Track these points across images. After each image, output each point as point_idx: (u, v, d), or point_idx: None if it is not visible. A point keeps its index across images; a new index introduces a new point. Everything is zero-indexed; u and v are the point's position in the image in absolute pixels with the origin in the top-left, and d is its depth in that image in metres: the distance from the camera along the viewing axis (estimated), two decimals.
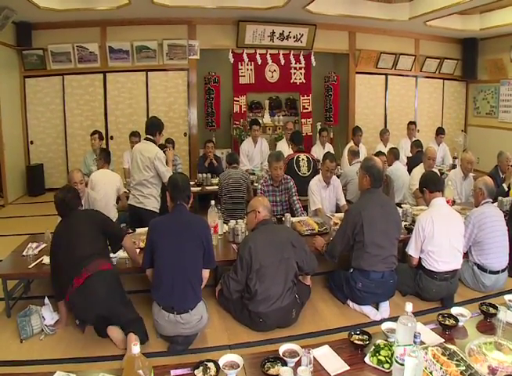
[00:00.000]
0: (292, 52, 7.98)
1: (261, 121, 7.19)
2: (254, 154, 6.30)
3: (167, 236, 2.67)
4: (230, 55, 7.75)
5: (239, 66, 7.88)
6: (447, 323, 2.16)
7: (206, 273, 2.79)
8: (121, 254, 3.24)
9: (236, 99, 7.95)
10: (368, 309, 3.06)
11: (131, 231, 3.65)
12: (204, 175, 5.69)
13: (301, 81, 8.19)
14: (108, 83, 7.57)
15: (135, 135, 5.62)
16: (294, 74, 8.14)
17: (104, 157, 4.76)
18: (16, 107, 7.44)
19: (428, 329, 2.14)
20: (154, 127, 4.07)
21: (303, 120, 8.30)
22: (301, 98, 8.28)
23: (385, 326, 2.13)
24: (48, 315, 2.95)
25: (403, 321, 1.70)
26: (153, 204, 4.04)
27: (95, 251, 2.80)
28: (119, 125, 7.66)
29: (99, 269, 2.70)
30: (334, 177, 4.36)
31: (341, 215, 3.81)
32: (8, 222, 6.02)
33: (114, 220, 4.38)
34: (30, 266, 3.16)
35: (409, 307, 1.72)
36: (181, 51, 7.46)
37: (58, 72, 7.47)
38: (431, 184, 3.22)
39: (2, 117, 6.89)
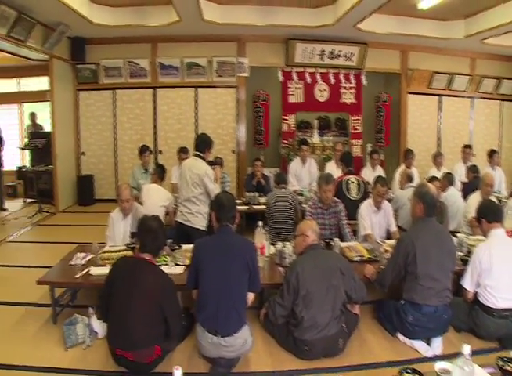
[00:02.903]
0: (342, 71, 7.97)
1: (309, 141, 7.16)
2: (302, 175, 6.26)
3: (212, 258, 2.67)
4: (279, 73, 7.84)
5: (289, 85, 7.96)
6: (508, 368, 2.01)
7: (251, 297, 2.78)
8: (171, 270, 3.29)
9: (284, 117, 7.99)
10: (419, 344, 2.94)
11: (177, 247, 3.70)
12: (252, 193, 5.70)
13: (351, 100, 8.13)
14: (158, 98, 7.86)
15: (183, 151, 5.74)
16: (344, 93, 8.10)
17: (159, 173, 4.89)
18: (69, 119, 7.88)
19: (486, 373, 2.00)
20: (204, 144, 4.12)
21: (353, 141, 8.21)
22: (351, 118, 8.20)
23: (439, 366, 1.99)
24: (96, 324, 3.01)
25: (460, 365, 1.63)
26: (200, 222, 4.06)
27: (145, 335, 2.55)
28: (168, 140, 7.90)
29: (143, 363, 2.58)
30: (385, 202, 4.27)
31: (392, 241, 3.72)
32: (58, 230, 6.32)
33: None
34: (77, 276, 3.27)
35: (466, 349, 1.64)
36: (230, 68, 7.64)
37: (109, 86, 7.86)
38: (490, 214, 3.07)
39: (56, 129, 7.33)
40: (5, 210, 7.49)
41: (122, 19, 6.76)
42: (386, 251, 3.51)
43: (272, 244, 3.79)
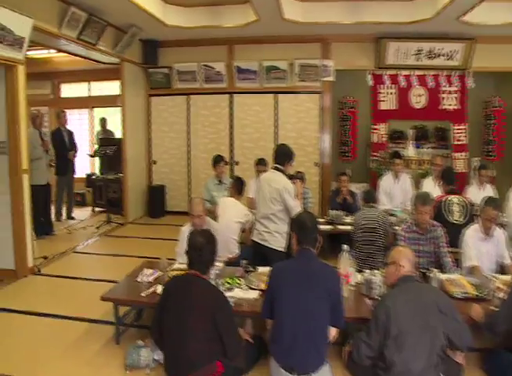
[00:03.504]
0: (443, 72, 7.61)
1: (403, 154, 6.94)
2: (394, 192, 6.07)
3: (290, 286, 2.64)
4: (369, 77, 7.67)
5: (380, 90, 7.76)
6: None
7: (333, 332, 2.71)
8: (245, 294, 3.28)
9: (374, 127, 7.80)
10: None
11: (252, 269, 3.70)
12: (336, 212, 5.64)
13: (453, 107, 7.71)
14: (235, 105, 8.04)
15: (261, 162, 5.78)
16: (445, 98, 7.72)
17: (237, 186, 4.97)
18: (140, 126, 8.32)
19: None
20: (284, 155, 4.12)
21: (455, 154, 7.78)
22: (454, 127, 7.78)
23: None
24: (158, 351, 3.06)
25: None
26: (278, 242, 4.04)
27: (203, 352, 2.60)
28: (244, 150, 8.04)
29: None
30: (496, 228, 3.99)
31: (507, 278, 3.47)
32: (125, 242, 6.64)
33: (235, 255, 4.54)
34: (143, 294, 3.35)
35: None
36: (313, 72, 7.60)
37: (183, 91, 8.18)
38: None
39: (127, 135, 7.78)
40: (73, 218, 8.01)
41: (196, 20, 6.97)
42: (499, 289, 3.27)
43: (359, 271, 3.70)
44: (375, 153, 7.77)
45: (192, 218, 3.97)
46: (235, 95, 8.01)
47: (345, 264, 3.40)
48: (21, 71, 4.96)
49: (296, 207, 3.96)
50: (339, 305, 2.68)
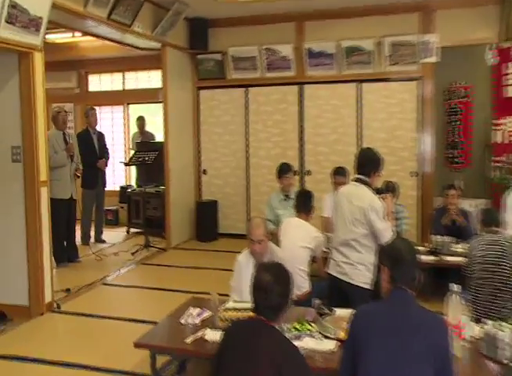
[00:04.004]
0: None
1: None
2: None
3: (379, 339, 2.50)
4: (490, 53, 7.34)
5: (506, 70, 7.33)
6: None
7: None
8: (318, 345, 3.19)
9: (497, 121, 7.43)
10: None
11: (327, 312, 3.60)
12: (442, 237, 5.45)
13: None
14: (305, 98, 8.04)
15: (340, 172, 5.71)
16: None
17: (302, 203, 4.91)
18: (187, 126, 8.50)
19: None
20: (369, 163, 4.06)
21: None
22: None
23: None
24: None
25: None
26: (362, 277, 3.94)
27: None
28: (318, 156, 7.99)
29: None
30: None
31: None
32: (168, 272, 6.75)
33: (304, 291, 4.50)
34: (188, 341, 3.29)
35: None
36: (409, 52, 7.45)
37: (240, 83, 8.31)
38: None
39: (170, 139, 7.92)
40: (103, 241, 8.23)
41: None
42: None
43: (477, 320, 3.51)
44: (498, 158, 7.38)
45: (252, 243, 3.94)
46: (306, 85, 8.01)
47: (455, 310, 3.23)
48: (38, 60, 5.10)
49: (386, 232, 3.86)
50: (447, 369, 2.49)
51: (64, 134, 6.85)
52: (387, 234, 3.81)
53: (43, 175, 5.19)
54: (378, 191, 4.14)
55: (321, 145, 7.98)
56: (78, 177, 7.10)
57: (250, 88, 8.28)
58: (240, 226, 8.10)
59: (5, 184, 5.16)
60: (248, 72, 8.14)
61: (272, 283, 2.68)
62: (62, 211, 6.55)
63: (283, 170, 6.00)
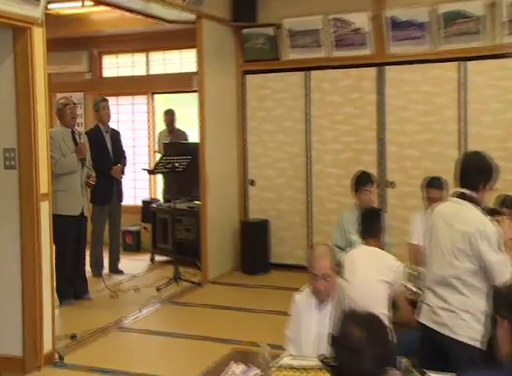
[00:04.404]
0: None
1: None
2: None
3: None
4: None
5: None
6: None
7: None
8: None
9: None
10: None
11: (417, 375, 3.49)
12: None
13: None
14: (386, 84, 7.92)
15: (435, 184, 5.60)
16: None
17: (368, 226, 4.86)
18: (229, 123, 8.53)
19: None
20: (477, 172, 3.94)
21: None
22: None
23: None
24: None
25: None
26: (470, 330, 3.79)
27: None
28: (404, 163, 7.86)
29: None
30: None
31: None
32: (203, 314, 6.74)
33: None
34: None
35: None
36: None
37: (299, 65, 8.27)
38: None
39: (207, 140, 7.91)
40: (120, 273, 8.29)
41: None
42: None
43: None
44: None
45: (314, 279, 3.83)
46: (387, 67, 7.91)
47: None
48: (39, 37, 5.12)
49: (503, 267, 3.72)
50: None
51: (73, 132, 6.92)
52: (504, 271, 3.67)
53: (44, 186, 5.20)
54: (491, 211, 4.06)
55: (408, 147, 7.83)
56: (90, 186, 7.08)
57: (312, 72, 8.23)
58: (299, 255, 8.07)
59: None
60: (310, 50, 8.09)
61: (364, 341, 2.56)
62: (69, 233, 6.61)
63: (362, 181, 5.90)
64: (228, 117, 8.49)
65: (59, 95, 8.04)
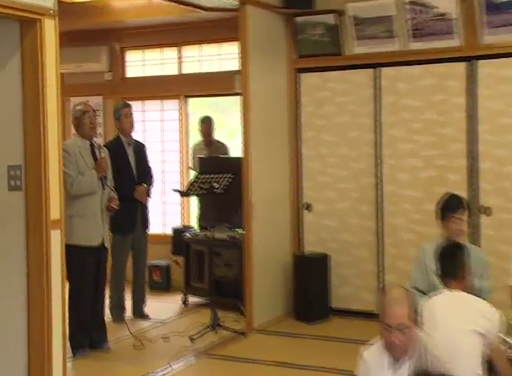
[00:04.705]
0: None
1: None
2: None
3: None
4: None
5: None
6: None
7: None
8: None
9: None
10: None
11: None
12: None
13: None
14: (480, 83, 7.77)
15: None
16: None
17: (448, 264, 4.82)
18: (278, 134, 8.47)
19: None
20: None
21: None
22: None
23: None
24: None
25: None
26: None
27: None
28: (502, 182, 7.71)
29: None
30: None
31: None
32: (247, 370, 6.71)
33: None
34: None
35: None
36: None
37: (367, 61, 8.22)
38: None
39: (252, 154, 7.86)
40: (145, 317, 8.29)
41: None
42: None
43: None
44: None
45: (387, 331, 3.76)
46: (480, 62, 7.77)
47: None
48: (50, 30, 5.11)
49: None
50: None
51: (92, 145, 6.95)
52: None
53: (56, 211, 5.17)
54: None
55: (508, 163, 7.68)
56: (112, 211, 7.06)
57: (383, 69, 8.17)
58: (366, 299, 8.04)
59: None
60: (380, 43, 8.03)
61: None
62: (85, 268, 6.61)
63: (451, 206, 5.82)
64: (279, 126, 8.45)
65: (73, 100, 8.08)
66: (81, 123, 6.86)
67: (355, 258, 8.37)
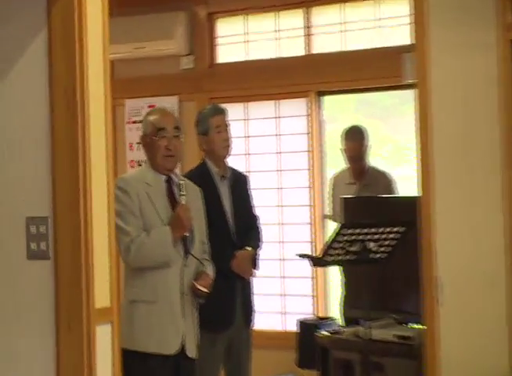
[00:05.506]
0: None
1: None
2: None
3: None
4: None
5: None
6: None
7: None
8: None
9: None
10: None
11: None
12: None
13: None
14: None
15: None
16: None
17: None
18: (487, 157, 8.25)
19: None
20: None
21: None
22: None
23: None
24: None
25: None
26: None
27: None
28: None
29: None
30: None
31: None
32: None
33: None
34: None
35: None
36: None
37: None
38: None
39: (436, 199, 7.74)
40: None
41: None
42: None
43: None
44: None
45: None
46: None
47: None
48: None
49: None
50: None
51: (169, 181, 6.92)
52: None
53: (104, 294, 5.17)
54: None
55: None
56: (202, 296, 6.94)
57: None
58: None
59: (9, 318, 5.19)
60: None
61: None
62: None
63: None
64: (486, 140, 8.26)
65: (129, 104, 8.16)
66: (154, 146, 6.79)
67: None
